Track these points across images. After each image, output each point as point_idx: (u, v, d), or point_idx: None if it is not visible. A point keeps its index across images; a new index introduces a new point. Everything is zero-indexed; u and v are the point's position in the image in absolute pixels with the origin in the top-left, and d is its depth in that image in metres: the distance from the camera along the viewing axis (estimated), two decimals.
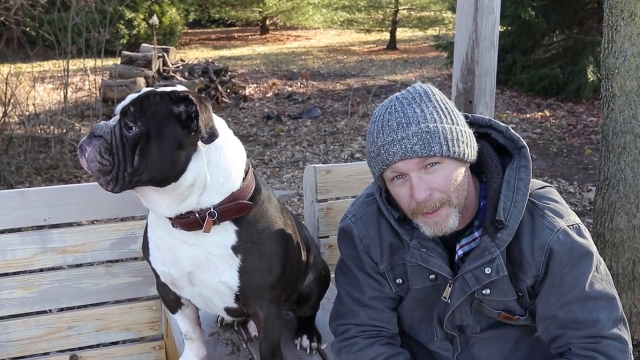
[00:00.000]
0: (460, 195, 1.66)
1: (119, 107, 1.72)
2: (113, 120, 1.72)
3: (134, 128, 1.66)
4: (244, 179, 1.84)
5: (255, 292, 1.92)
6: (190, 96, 1.69)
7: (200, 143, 1.70)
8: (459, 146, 1.62)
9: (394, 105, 1.65)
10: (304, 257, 2.18)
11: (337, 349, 1.98)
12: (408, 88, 1.69)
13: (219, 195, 1.78)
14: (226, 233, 1.83)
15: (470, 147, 1.66)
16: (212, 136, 1.67)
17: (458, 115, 1.67)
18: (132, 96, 1.73)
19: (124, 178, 1.68)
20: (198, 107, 1.66)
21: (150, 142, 1.66)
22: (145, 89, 1.77)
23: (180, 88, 1.78)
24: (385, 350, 1.90)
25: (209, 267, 1.86)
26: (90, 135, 1.72)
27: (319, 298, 2.37)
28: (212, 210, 1.77)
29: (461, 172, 1.65)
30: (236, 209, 1.80)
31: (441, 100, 1.65)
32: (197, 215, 1.77)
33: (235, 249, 1.84)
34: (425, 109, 1.61)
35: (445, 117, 1.62)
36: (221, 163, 1.77)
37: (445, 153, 1.60)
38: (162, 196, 1.75)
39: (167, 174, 1.69)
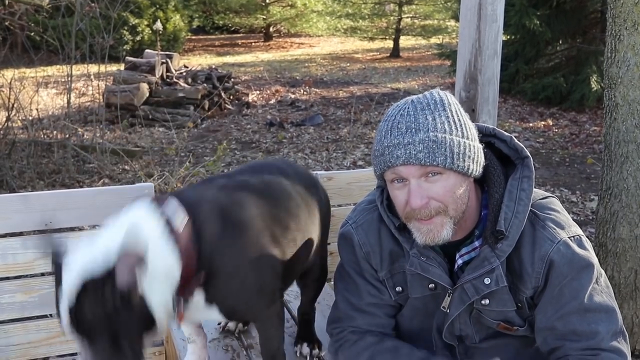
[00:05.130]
0: (458, 208, 1.65)
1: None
2: None
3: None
4: (181, 266, 1.72)
5: (243, 317, 1.96)
6: None
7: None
8: (464, 160, 1.60)
9: (408, 108, 1.62)
10: (302, 259, 2.13)
11: (334, 350, 1.97)
12: (425, 93, 1.67)
13: (171, 290, 1.71)
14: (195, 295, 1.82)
15: (476, 163, 1.64)
16: None
17: (470, 128, 1.65)
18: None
19: None
20: None
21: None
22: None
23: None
24: (375, 340, 1.90)
25: (195, 311, 1.86)
26: None
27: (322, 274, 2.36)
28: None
29: (462, 186, 1.64)
30: (185, 288, 1.74)
31: (456, 111, 1.63)
32: None
33: (208, 301, 1.83)
34: (437, 118, 1.59)
35: (456, 129, 1.60)
36: (159, 272, 1.66)
37: (449, 165, 1.59)
38: None
39: None
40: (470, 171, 1.62)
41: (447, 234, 1.65)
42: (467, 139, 1.62)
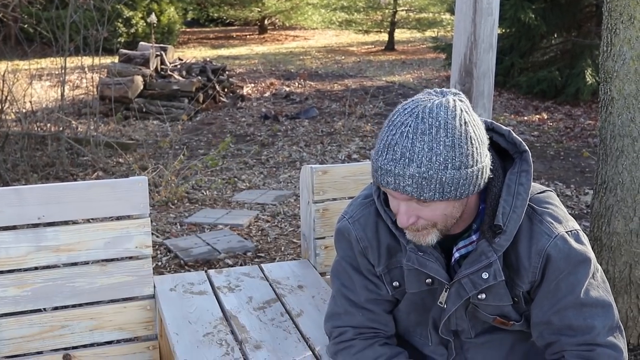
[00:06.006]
0: (448, 223, 1.64)
1: None
2: None
3: None
4: None
5: None
6: None
7: None
8: (456, 190, 1.56)
9: (409, 125, 1.54)
10: None
11: (334, 351, 1.96)
12: (435, 103, 1.55)
13: None
14: None
15: (474, 185, 1.59)
16: None
17: (473, 152, 1.55)
18: None
19: None
20: None
21: None
22: None
23: None
24: (386, 351, 1.89)
25: None
26: None
27: None
28: None
29: (455, 207, 1.62)
30: None
31: (459, 135, 1.53)
32: None
33: None
34: (435, 147, 1.52)
35: (453, 159, 1.53)
36: None
37: (438, 198, 1.55)
38: None
39: None
40: (464, 195, 1.58)
41: (431, 240, 1.66)
42: (466, 167, 1.55)
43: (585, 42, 9.86)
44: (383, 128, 1.62)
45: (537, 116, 9.20)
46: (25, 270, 2.42)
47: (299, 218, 2.84)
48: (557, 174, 6.55)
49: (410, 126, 1.54)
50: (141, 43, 11.02)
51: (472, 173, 1.56)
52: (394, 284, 1.87)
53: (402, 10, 19.34)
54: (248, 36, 21.98)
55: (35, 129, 6.89)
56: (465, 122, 1.55)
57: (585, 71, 9.52)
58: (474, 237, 1.74)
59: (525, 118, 9.12)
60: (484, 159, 1.60)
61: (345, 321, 1.93)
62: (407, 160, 1.53)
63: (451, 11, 13.28)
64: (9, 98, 6.48)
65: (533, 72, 10.26)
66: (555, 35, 10.58)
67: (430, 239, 1.65)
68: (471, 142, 1.55)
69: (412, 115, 1.55)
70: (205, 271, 2.82)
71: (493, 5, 3.09)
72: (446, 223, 1.64)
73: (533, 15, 9.51)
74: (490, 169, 1.64)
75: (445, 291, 1.78)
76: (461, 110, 1.55)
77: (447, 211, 1.61)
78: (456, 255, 1.76)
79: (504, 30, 10.13)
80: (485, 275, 1.69)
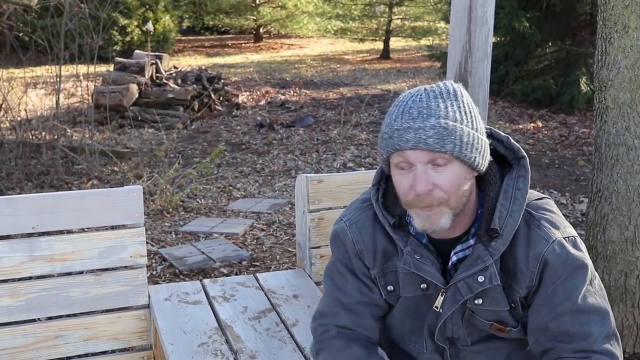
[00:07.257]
0: (459, 200, 1.64)
1: None
2: None
3: None
4: None
5: None
6: None
7: None
8: (471, 151, 1.60)
9: (420, 94, 1.63)
10: None
11: (316, 350, 1.94)
12: (439, 82, 1.67)
13: None
14: None
15: (482, 157, 1.64)
16: None
17: (480, 122, 1.66)
18: None
19: None
20: None
21: None
22: None
23: None
24: (363, 353, 1.87)
25: None
26: None
27: None
28: None
29: (467, 178, 1.63)
30: None
31: (467, 103, 1.64)
32: None
33: None
34: (450, 106, 1.60)
35: (467, 119, 1.61)
36: None
37: (457, 154, 1.58)
38: None
39: None
40: (476, 163, 1.62)
41: (445, 222, 1.64)
42: (477, 131, 1.62)
43: (580, 50, 9.90)
44: (390, 109, 1.67)
45: (532, 124, 9.22)
46: (19, 280, 2.40)
47: (294, 227, 2.84)
48: (552, 182, 6.55)
49: (421, 95, 1.63)
50: (136, 51, 11.02)
51: (483, 140, 1.64)
52: (388, 287, 1.87)
53: (397, 18, 19.40)
54: (243, 44, 22.02)
55: (30, 137, 6.88)
56: (469, 96, 1.66)
57: (580, 80, 9.56)
58: (471, 242, 1.74)
59: (520, 126, 9.14)
60: (486, 138, 1.67)
61: (330, 320, 1.91)
62: (425, 115, 1.59)
63: (446, 20, 13.33)
64: (3, 106, 6.48)
65: (528, 80, 10.29)
66: (550, 44, 10.63)
67: (444, 222, 1.63)
68: (477, 112, 1.66)
69: (419, 90, 1.65)
70: (200, 280, 2.81)
71: (488, 14, 3.09)
72: (458, 200, 1.63)
73: (527, 24, 9.55)
74: (488, 157, 1.68)
75: (441, 295, 1.78)
76: (463, 89, 1.66)
77: (460, 180, 1.61)
78: (454, 259, 1.76)
79: (498, 39, 10.17)
80: (481, 279, 1.69)
